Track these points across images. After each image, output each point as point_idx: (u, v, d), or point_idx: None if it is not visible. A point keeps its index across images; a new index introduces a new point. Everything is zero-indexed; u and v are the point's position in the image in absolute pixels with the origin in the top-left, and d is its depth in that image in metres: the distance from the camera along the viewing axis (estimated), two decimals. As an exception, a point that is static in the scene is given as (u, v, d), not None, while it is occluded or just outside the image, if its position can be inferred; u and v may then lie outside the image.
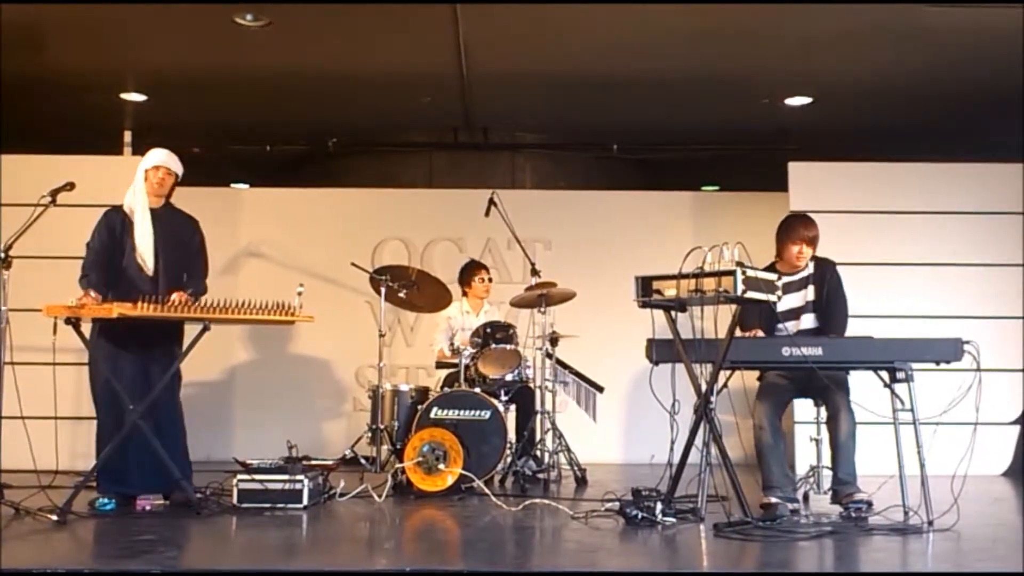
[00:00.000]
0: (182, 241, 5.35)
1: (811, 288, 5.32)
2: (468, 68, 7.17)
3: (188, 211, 5.49)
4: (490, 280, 7.10)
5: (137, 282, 5.17)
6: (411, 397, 6.36)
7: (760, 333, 5.10)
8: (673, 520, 4.66)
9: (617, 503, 4.81)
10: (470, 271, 7.02)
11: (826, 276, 5.31)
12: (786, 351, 4.82)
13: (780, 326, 5.12)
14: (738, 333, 5.14)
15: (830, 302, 5.27)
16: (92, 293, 4.98)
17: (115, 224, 5.28)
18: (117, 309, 4.82)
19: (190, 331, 5.25)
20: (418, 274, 6.73)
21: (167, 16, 6.16)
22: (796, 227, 5.29)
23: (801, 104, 7.95)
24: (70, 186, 5.07)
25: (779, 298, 4.83)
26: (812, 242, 5.28)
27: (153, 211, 5.30)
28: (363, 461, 6.47)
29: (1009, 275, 7.43)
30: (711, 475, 4.76)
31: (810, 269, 5.35)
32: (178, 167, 5.39)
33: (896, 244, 7.45)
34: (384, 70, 7.27)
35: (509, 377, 6.29)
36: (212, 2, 5.98)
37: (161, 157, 5.34)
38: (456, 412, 5.95)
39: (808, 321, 5.28)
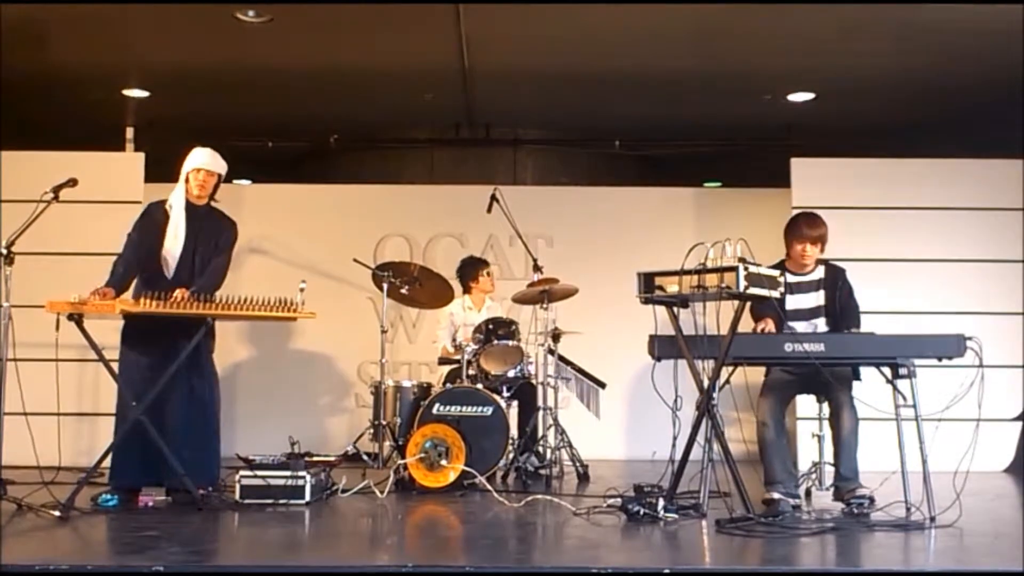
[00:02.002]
0: (215, 241, 5.36)
1: (822, 293, 5.31)
2: (470, 64, 7.16)
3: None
4: (490, 274, 7.10)
5: (162, 276, 5.19)
6: (413, 393, 6.37)
7: (771, 325, 5.09)
8: (675, 516, 4.66)
9: (619, 499, 4.81)
10: (473, 269, 7.01)
11: (838, 283, 5.31)
12: (788, 347, 4.82)
13: (789, 324, 5.11)
14: (751, 325, 5.16)
15: (843, 307, 5.27)
16: (102, 290, 4.99)
17: (156, 218, 5.30)
18: (120, 305, 4.83)
19: (222, 329, 5.31)
20: (420, 270, 6.74)
21: (169, 12, 6.16)
22: (800, 226, 5.29)
23: (803, 100, 7.94)
24: (72, 182, 5.07)
25: (781, 294, 4.83)
26: (817, 241, 5.27)
27: (195, 210, 5.32)
28: (365, 457, 6.47)
29: (1010, 271, 7.43)
30: (713, 471, 4.76)
31: (820, 273, 5.34)
32: (219, 166, 5.37)
33: (898, 240, 7.45)
34: (386, 66, 7.27)
35: (511, 373, 6.30)
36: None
37: (201, 159, 5.32)
38: (458, 408, 5.96)
39: (822, 326, 5.28)
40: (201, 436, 5.24)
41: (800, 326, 5.19)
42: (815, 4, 6.00)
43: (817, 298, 5.32)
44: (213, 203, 5.43)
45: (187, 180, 5.32)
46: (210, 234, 5.35)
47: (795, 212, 7.13)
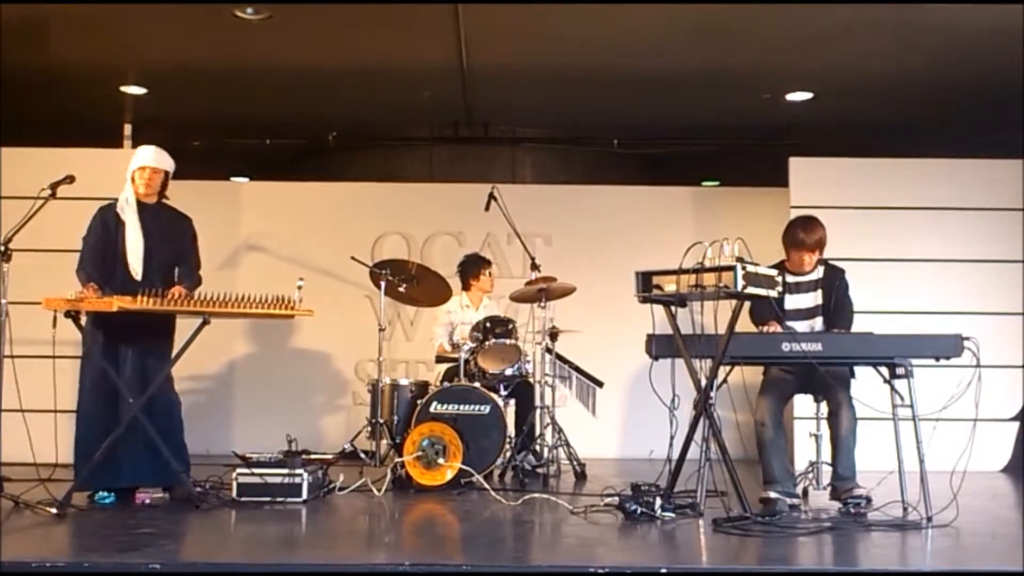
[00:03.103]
0: (173, 239, 5.32)
1: (820, 293, 5.32)
2: (469, 62, 7.16)
3: (187, 205, 5.46)
4: (491, 274, 7.10)
5: (130, 279, 5.16)
6: (410, 391, 6.36)
7: (776, 327, 5.09)
8: (672, 515, 4.67)
9: (616, 498, 4.81)
10: (476, 266, 7.01)
11: (835, 282, 5.31)
12: (786, 347, 4.82)
13: (789, 324, 5.12)
14: (751, 327, 5.16)
15: (837, 306, 5.28)
16: (92, 286, 4.98)
17: (109, 221, 5.26)
18: (117, 303, 4.82)
19: (183, 326, 5.24)
20: (418, 268, 6.74)
21: (167, 10, 6.15)
22: (796, 233, 5.28)
23: (802, 99, 7.94)
24: (70, 179, 5.07)
25: (779, 293, 4.83)
26: (815, 247, 5.27)
27: (146, 208, 5.27)
28: (362, 455, 6.48)
29: (1009, 271, 7.43)
30: (710, 470, 4.76)
31: (819, 273, 5.35)
32: (165, 163, 5.33)
33: (896, 240, 7.45)
34: (385, 64, 7.26)
35: (509, 372, 6.29)
36: (213, -4, 5.99)
37: (145, 158, 5.27)
38: (455, 407, 5.96)
39: (819, 325, 5.29)
40: (168, 433, 5.21)
41: (799, 326, 5.20)
42: (814, 3, 5.99)
43: (815, 298, 5.33)
44: (164, 200, 5.38)
45: (133, 180, 5.27)
46: (167, 232, 5.30)
47: (793, 214, 7.18)
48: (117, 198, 5.30)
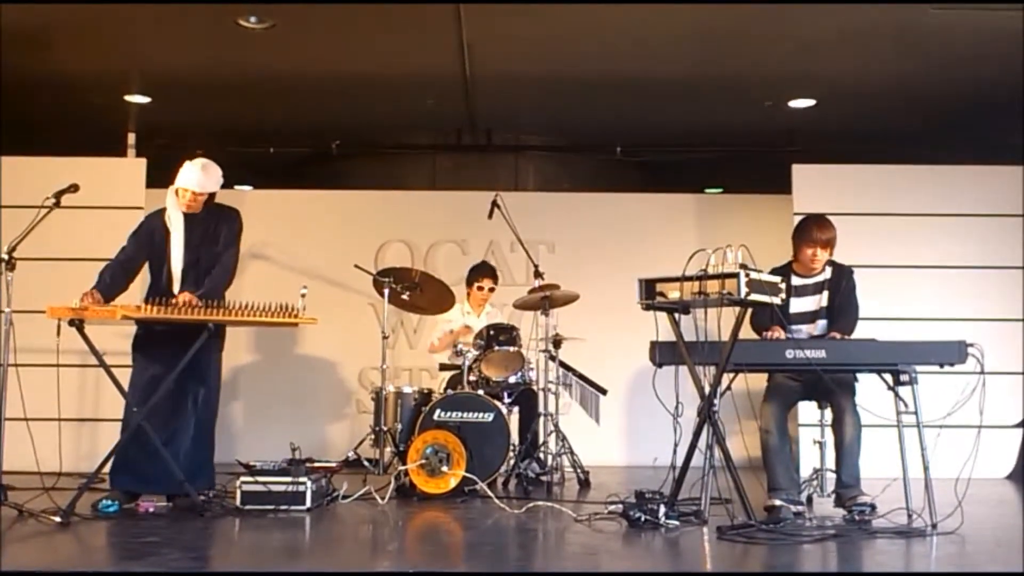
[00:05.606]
0: (214, 242, 5.31)
1: (826, 294, 5.31)
2: (471, 70, 7.17)
3: None
4: (491, 289, 7.00)
5: (171, 288, 5.18)
6: (414, 399, 6.36)
7: (780, 332, 5.08)
8: (676, 523, 4.66)
9: (620, 505, 4.80)
10: (472, 277, 7.00)
11: (842, 282, 5.29)
12: (790, 354, 4.82)
13: (793, 328, 5.11)
14: (753, 335, 5.15)
15: (841, 306, 5.26)
16: (94, 294, 4.99)
17: (155, 229, 5.29)
18: (121, 311, 4.83)
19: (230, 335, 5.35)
20: (421, 276, 6.73)
21: (171, 18, 6.17)
22: (810, 229, 5.27)
23: (804, 106, 7.94)
24: (74, 188, 5.07)
25: (782, 300, 4.83)
26: (827, 245, 5.26)
27: (192, 217, 5.29)
28: (366, 463, 6.46)
29: (1010, 277, 7.43)
30: (714, 478, 4.76)
31: (827, 274, 5.33)
32: (211, 186, 5.25)
33: (898, 246, 7.45)
34: (387, 72, 7.27)
35: (512, 379, 6.29)
36: (216, 3, 5.99)
37: (184, 180, 5.21)
38: (459, 414, 5.95)
39: (822, 327, 5.28)
40: (201, 441, 5.23)
41: (804, 329, 5.19)
42: (816, 6, 6.00)
43: (819, 301, 5.31)
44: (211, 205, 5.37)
45: (176, 193, 5.26)
46: (213, 234, 5.31)
47: (802, 216, 7.16)
48: (164, 208, 5.30)
